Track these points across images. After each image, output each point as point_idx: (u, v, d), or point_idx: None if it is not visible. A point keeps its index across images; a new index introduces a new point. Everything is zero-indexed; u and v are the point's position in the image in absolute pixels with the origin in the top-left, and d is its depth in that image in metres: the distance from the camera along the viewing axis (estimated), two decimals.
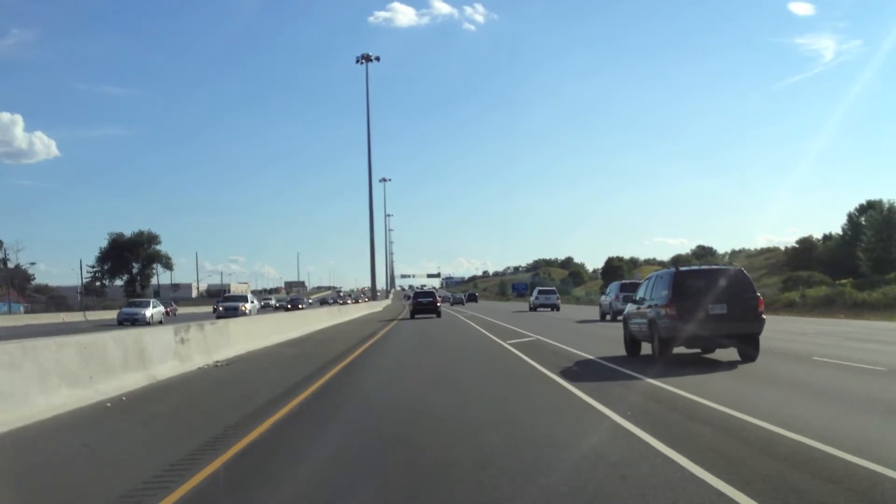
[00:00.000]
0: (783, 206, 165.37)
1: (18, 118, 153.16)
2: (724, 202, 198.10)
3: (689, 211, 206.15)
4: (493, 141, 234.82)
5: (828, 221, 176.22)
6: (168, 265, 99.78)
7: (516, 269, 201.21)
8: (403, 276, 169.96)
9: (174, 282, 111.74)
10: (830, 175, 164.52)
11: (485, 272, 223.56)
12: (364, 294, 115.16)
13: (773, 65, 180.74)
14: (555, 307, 44.49)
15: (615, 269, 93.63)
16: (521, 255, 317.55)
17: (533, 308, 45.97)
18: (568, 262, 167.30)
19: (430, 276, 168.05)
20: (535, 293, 49.27)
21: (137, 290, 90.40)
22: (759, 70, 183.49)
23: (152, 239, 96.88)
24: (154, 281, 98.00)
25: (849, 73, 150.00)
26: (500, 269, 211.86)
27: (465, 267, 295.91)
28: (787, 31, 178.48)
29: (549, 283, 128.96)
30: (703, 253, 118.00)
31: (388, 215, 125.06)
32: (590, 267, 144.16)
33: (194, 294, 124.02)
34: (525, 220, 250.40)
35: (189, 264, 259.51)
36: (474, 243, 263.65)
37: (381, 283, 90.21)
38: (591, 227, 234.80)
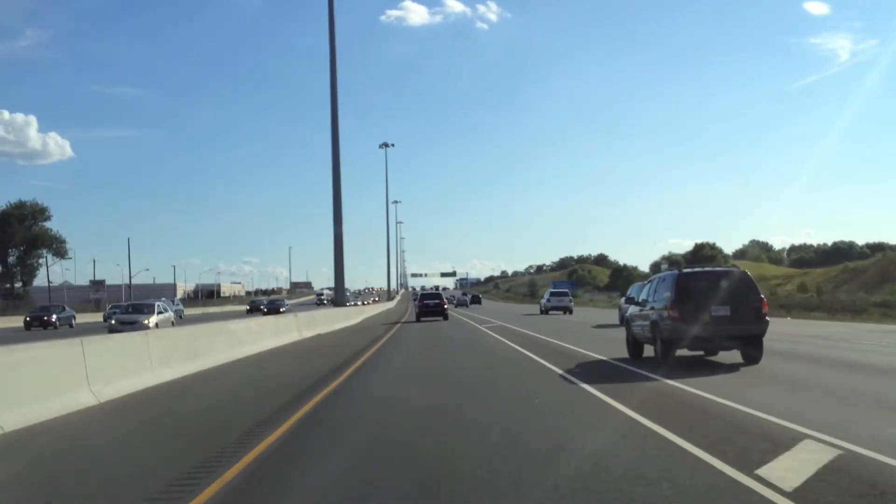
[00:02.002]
0: (798, 206, 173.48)
1: (32, 119, 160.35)
2: (738, 204, 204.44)
3: (703, 213, 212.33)
4: (506, 142, 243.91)
5: (843, 222, 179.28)
6: (60, 251, 76.48)
7: (539, 268, 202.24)
8: (414, 276, 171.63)
9: (157, 281, 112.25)
10: (845, 175, 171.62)
11: (503, 272, 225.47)
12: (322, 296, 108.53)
13: (789, 65, 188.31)
14: (567, 310, 45.74)
15: (708, 259, 73.83)
16: (534, 256, 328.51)
17: (544, 311, 47.06)
18: (603, 259, 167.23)
19: (444, 274, 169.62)
20: (546, 295, 50.40)
21: (16, 290, 71.76)
22: (774, 71, 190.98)
23: (38, 213, 75.02)
24: (74, 276, 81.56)
25: (865, 72, 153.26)
26: (520, 268, 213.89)
27: (479, 268, 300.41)
28: (803, 31, 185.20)
29: (592, 281, 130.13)
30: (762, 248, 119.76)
31: (395, 202, 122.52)
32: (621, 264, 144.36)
33: (180, 294, 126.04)
34: (534, 221, 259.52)
35: (204, 264, 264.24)
36: (487, 245, 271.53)
37: (363, 282, 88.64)
38: (605, 229, 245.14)
